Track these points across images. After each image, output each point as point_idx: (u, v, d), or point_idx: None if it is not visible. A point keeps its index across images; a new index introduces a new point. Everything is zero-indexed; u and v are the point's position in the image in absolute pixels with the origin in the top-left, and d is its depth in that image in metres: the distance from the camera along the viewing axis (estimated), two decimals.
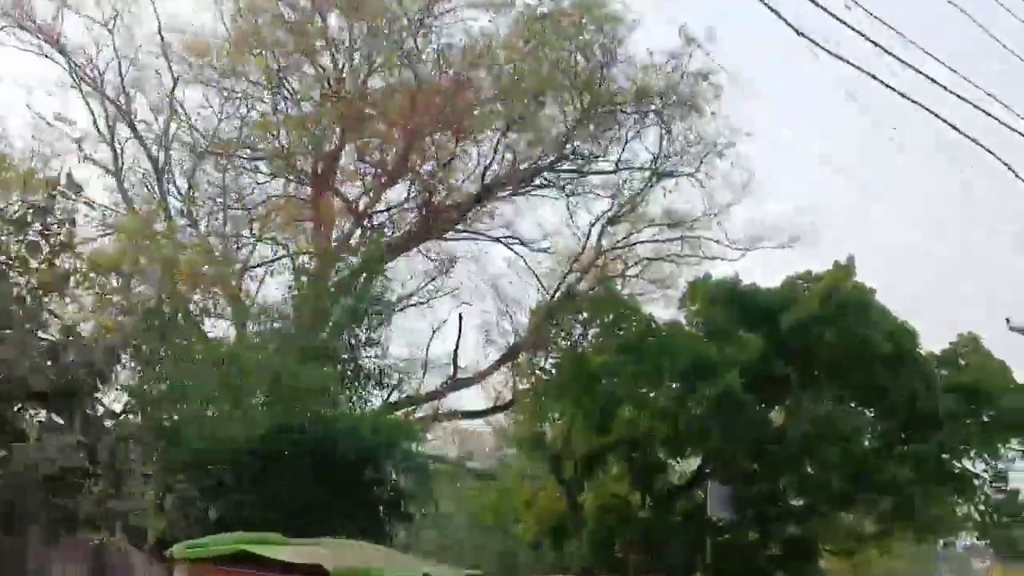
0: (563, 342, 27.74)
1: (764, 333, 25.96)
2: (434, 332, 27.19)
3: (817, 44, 8.63)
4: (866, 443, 25.01)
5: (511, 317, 27.99)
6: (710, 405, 23.56)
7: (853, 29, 8.46)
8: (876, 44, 8.83)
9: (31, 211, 14.57)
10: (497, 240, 28.04)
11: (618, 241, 27.57)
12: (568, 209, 27.03)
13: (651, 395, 25.93)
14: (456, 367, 26.61)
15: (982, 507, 25.37)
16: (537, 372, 27.37)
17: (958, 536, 25.49)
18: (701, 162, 26.78)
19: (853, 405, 24.52)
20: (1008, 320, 23.20)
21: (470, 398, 29.45)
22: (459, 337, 26.93)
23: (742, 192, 26.90)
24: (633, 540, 27.41)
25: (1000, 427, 24.01)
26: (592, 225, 27.47)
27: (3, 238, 14.48)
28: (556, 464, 28.35)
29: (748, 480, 25.35)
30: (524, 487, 31.14)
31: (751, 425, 24.22)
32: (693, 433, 24.41)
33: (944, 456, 25.18)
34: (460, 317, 27.12)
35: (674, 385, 25.14)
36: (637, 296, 29.60)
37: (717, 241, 27.43)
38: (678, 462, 28.75)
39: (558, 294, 27.01)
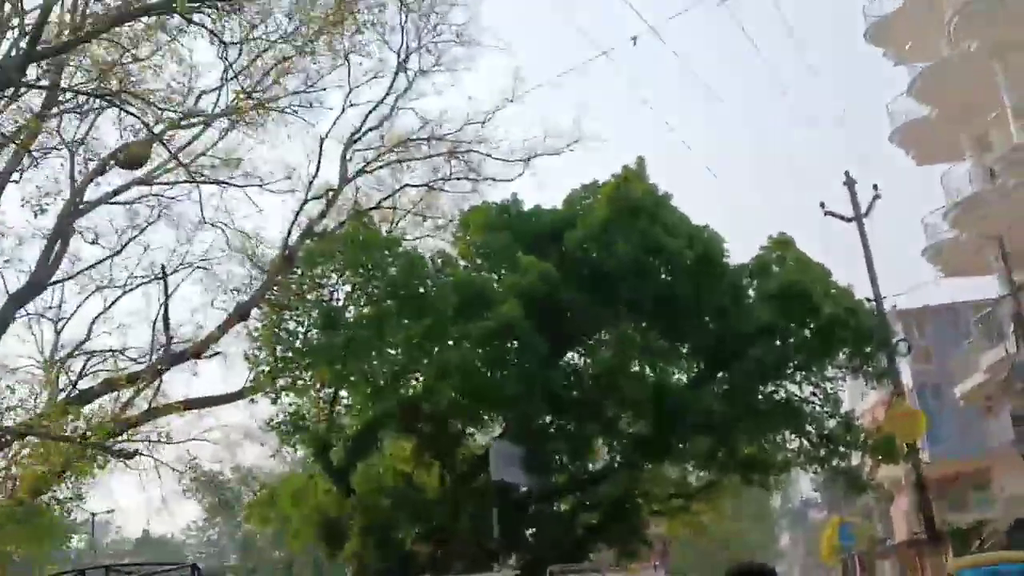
0: (312, 294, 22.36)
1: (550, 257, 21.52)
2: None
3: None
4: (675, 374, 20.67)
5: (250, 271, 22.28)
6: (484, 343, 18.72)
7: None
8: None
9: None
10: (221, 183, 22.16)
11: (366, 164, 22.27)
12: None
13: (420, 344, 20.87)
14: (169, 337, 20.66)
15: (814, 438, 21.60)
16: (280, 333, 21.77)
17: (790, 474, 21.65)
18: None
19: (654, 329, 20.02)
20: (823, 205, 19.66)
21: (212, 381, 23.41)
22: (166, 298, 20.99)
23: (509, 96, 22.17)
24: (421, 529, 22.29)
25: (824, 339, 20.18)
26: (327, 144, 22.01)
27: None
28: (321, 447, 22.95)
29: (544, 435, 20.64)
30: (290, 481, 25.54)
31: (538, 364, 19.54)
32: (475, 384, 19.43)
33: (765, 382, 21.36)
34: (163, 269, 21.14)
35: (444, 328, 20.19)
36: (405, 236, 24.64)
37: (488, 155, 22.61)
38: (477, 429, 23.76)
39: (297, 235, 21.49)
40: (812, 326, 20.44)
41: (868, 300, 18.66)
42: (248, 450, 26.23)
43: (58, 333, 24.83)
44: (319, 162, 21.13)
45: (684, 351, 20.69)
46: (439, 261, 21.74)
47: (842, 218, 18.99)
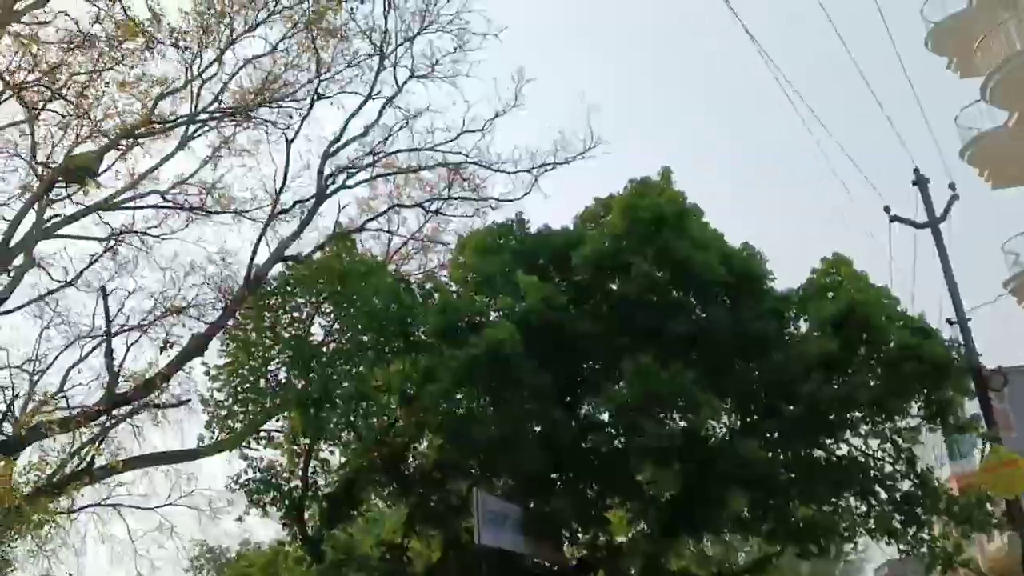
0: (284, 326, 19.30)
1: (556, 279, 18.27)
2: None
3: None
4: (709, 421, 16.81)
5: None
6: (466, 375, 15.33)
7: None
8: None
9: None
10: (195, 210, 19.41)
11: (345, 175, 19.25)
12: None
13: (402, 382, 17.54)
14: (114, 375, 17.60)
15: (885, 502, 17.49)
16: (243, 372, 18.62)
17: (855, 544, 17.46)
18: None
19: (682, 364, 16.33)
20: (888, 209, 16.11)
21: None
22: (107, 324, 17.98)
23: (513, 102, 19.19)
24: None
25: (892, 374, 16.27)
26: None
27: None
28: (295, 510, 19.51)
29: (547, 493, 16.94)
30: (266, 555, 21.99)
31: (537, 402, 16.03)
32: (453, 425, 15.97)
33: (821, 431, 17.46)
34: (103, 290, 18.17)
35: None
36: (403, 268, 21.56)
37: (488, 167, 19.55)
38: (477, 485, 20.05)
39: (266, 258, 18.45)
40: (877, 358, 16.63)
41: (949, 322, 14.93)
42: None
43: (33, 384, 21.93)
44: (286, 169, 18.24)
45: (720, 391, 16.88)
46: (427, 287, 18.56)
47: (913, 224, 15.45)
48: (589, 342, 17.00)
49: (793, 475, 17.01)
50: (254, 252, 18.20)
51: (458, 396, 15.17)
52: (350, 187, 19.44)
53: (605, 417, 17.02)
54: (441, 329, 16.47)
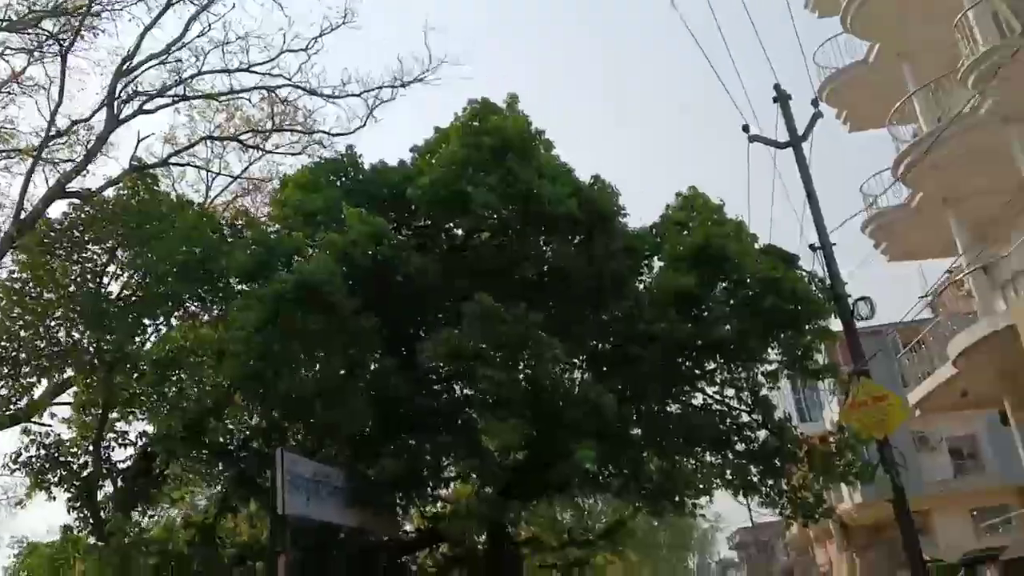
0: (73, 278, 16.36)
1: (393, 218, 16.23)
2: None
3: None
4: (559, 367, 15.13)
5: None
6: (268, 317, 13.02)
7: None
8: None
9: None
10: None
11: (143, 99, 16.47)
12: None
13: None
14: None
15: (742, 452, 16.39)
16: (13, 330, 15.60)
17: (711, 497, 16.28)
18: None
19: (526, 303, 14.58)
20: (746, 128, 14.86)
21: None
22: None
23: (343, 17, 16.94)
24: None
25: (753, 315, 15.02)
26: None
27: None
28: (85, 491, 16.65)
29: (374, 451, 14.78)
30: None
31: (357, 347, 13.92)
32: (249, 373, 13.59)
33: (676, 381, 16.19)
34: None
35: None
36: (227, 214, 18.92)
37: (308, 89, 17.21)
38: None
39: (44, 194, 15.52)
40: (734, 293, 15.42)
41: (812, 248, 13.79)
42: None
43: None
44: (62, 85, 15.36)
45: (570, 336, 15.24)
46: (239, 224, 16.10)
47: (774, 143, 14.26)
48: (427, 284, 15.02)
49: (646, 426, 15.64)
50: (25, 185, 15.30)
51: (259, 343, 12.78)
52: (150, 112, 16.67)
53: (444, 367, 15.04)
54: (249, 270, 14.09)
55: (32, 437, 16.95)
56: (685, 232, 16.12)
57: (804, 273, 14.78)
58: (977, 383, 17.42)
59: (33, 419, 16.89)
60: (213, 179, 19.22)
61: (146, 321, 16.02)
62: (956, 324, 17.58)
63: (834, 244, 13.44)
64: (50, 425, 17.36)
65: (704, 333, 14.48)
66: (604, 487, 16.33)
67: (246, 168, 19.39)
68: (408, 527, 18.99)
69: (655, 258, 16.34)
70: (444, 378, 15.28)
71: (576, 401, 14.17)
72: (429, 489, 15.46)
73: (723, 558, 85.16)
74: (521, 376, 13.95)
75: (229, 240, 15.72)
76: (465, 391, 15.16)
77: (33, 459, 16.93)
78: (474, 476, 15.17)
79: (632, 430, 15.44)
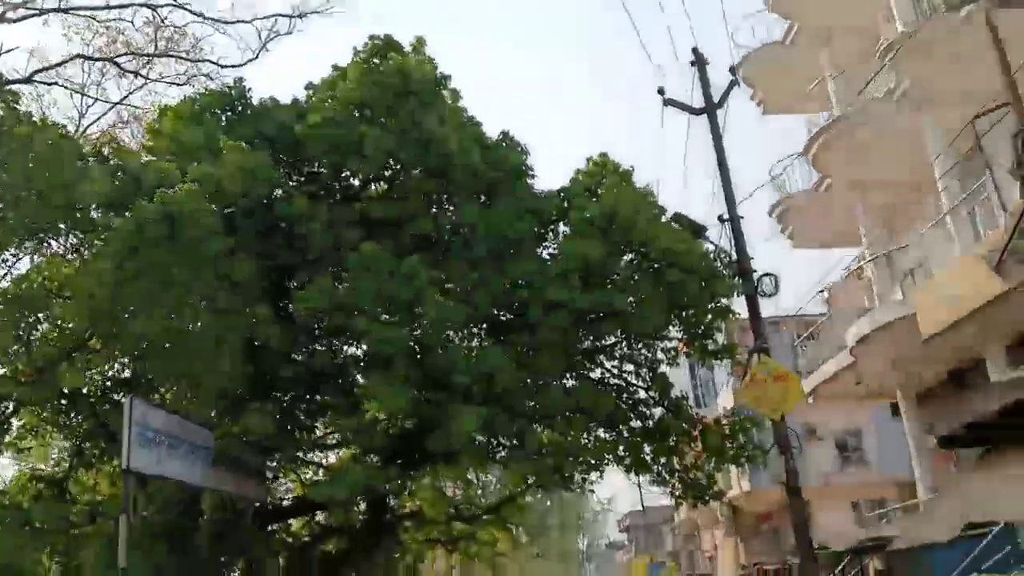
0: None
1: (281, 158, 14.95)
2: None
3: None
4: (450, 329, 14.17)
5: None
6: (125, 251, 11.65)
7: None
8: None
9: None
10: None
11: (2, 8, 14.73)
12: None
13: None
14: None
15: (637, 429, 15.85)
16: None
17: (601, 474, 15.73)
18: None
19: (420, 260, 13.55)
20: (662, 91, 14.15)
21: None
22: None
23: None
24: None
25: (656, 287, 14.40)
26: None
27: None
28: None
29: (242, 408, 13.57)
30: None
31: (236, 296, 12.68)
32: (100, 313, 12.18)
33: (574, 353, 15.49)
34: None
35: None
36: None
37: (189, 9, 15.74)
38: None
39: None
40: (640, 265, 14.77)
41: (720, 220, 13.22)
42: None
43: None
44: None
45: (466, 297, 14.31)
46: (105, 151, 14.55)
47: (688, 109, 13.62)
48: (313, 231, 13.84)
49: (540, 397, 14.88)
50: None
51: (111, 281, 11.39)
52: (12, 21, 14.90)
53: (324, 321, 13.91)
54: (111, 199, 12.63)
55: None
56: (594, 199, 15.37)
57: (712, 246, 14.24)
58: (871, 373, 17.33)
59: None
60: (88, 106, 17.50)
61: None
62: (853, 316, 17.46)
63: (742, 217, 12.87)
64: None
65: (605, 302, 13.75)
66: (490, 458, 15.52)
67: (125, 96, 17.73)
68: (288, 495, 17.88)
69: (561, 223, 15.54)
70: (325, 333, 14.15)
71: (467, 366, 13.27)
72: (302, 454, 14.32)
73: (613, 540, 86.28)
74: (408, 336, 12.94)
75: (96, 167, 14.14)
76: (348, 348, 14.07)
77: None
78: (352, 440, 14.10)
79: (526, 401, 14.64)
